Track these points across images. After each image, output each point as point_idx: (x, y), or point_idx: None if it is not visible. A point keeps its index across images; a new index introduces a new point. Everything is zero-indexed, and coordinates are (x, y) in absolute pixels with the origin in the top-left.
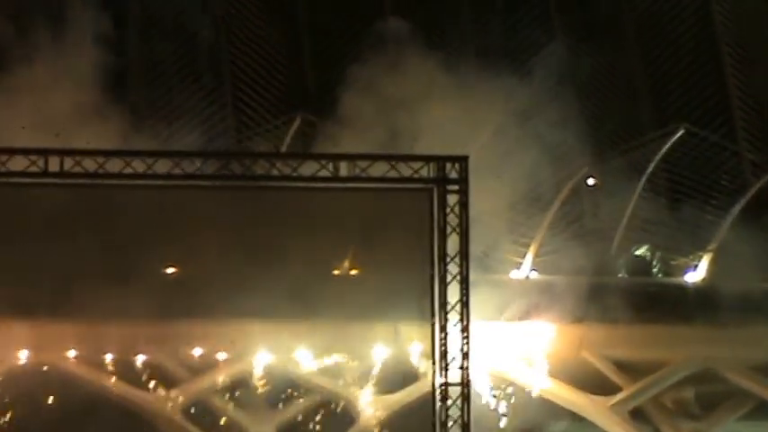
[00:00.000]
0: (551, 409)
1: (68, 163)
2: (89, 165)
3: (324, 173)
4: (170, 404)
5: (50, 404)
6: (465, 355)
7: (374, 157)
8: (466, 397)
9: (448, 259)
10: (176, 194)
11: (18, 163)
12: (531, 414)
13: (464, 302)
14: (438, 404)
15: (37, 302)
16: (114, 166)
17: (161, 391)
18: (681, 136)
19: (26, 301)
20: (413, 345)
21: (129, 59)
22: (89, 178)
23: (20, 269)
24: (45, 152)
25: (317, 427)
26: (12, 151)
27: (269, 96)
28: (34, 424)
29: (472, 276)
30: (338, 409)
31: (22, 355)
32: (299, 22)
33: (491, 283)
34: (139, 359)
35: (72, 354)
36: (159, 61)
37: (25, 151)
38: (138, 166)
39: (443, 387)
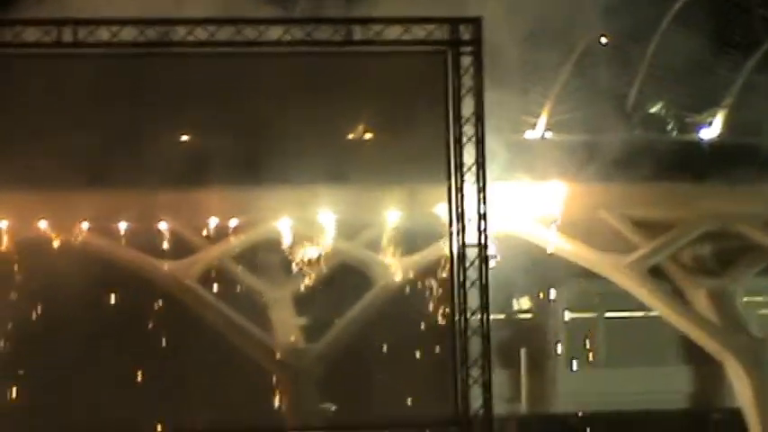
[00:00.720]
0: (567, 268)
1: (83, 33)
2: (103, 34)
3: (337, 37)
4: (186, 272)
5: (67, 275)
6: (482, 217)
7: (387, 21)
8: (483, 258)
9: (463, 121)
10: (189, 64)
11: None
12: (548, 273)
13: (480, 164)
14: (456, 266)
15: (53, 173)
16: (128, 34)
17: (177, 260)
18: None
19: (42, 173)
20: (429, 207)
21: None
22: (107, 47)
23: (37, 140)
24: (59, 22)
25: (335, 291)
26: (25, 22)
27: None
28: (51, 296)
29: (488, 138)
30: (356, 273)
31: (40, 226)
32: None
33: (507, 143)
34: (155, 227)
35: (86, 225)
36: None
37: (40, 22)
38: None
39: (461, 249)
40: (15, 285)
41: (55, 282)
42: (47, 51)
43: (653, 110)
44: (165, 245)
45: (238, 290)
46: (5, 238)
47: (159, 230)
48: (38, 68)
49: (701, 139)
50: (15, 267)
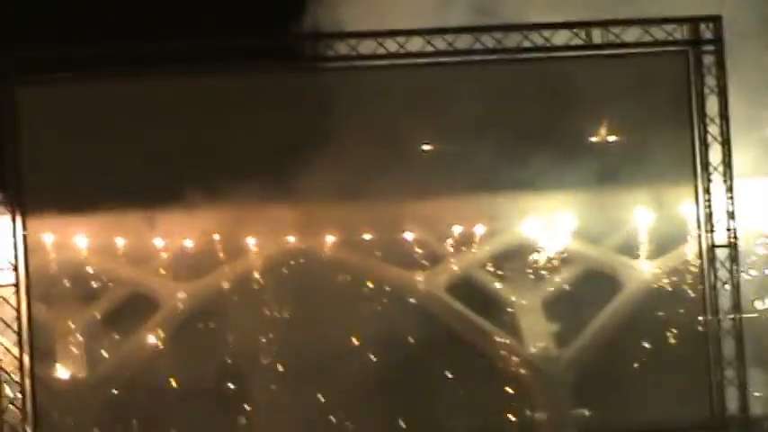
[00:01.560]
0: None
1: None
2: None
3: (576, 41)
4: (433, 281)
5: (312, 288)
6: (731, 215)
7: (627, 23)
8: (734, 258)
9: (707, 120)
10: (427, 73)
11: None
12: None
13: (726, 162)
14: (706, 266)
15: (300, 186)
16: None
17: (425, 269)
18: None
19: (291, 186)
20: (675, 208)
21: None
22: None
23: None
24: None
25: (583, 295)
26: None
27: None
28: (299, 308)
29: (734, 135)
30: (604, 277)
31: (288, 239)
32: None
33: (754, 140)
34: (401, 238)
35: (331, 238)
36: None
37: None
38: (390, 45)
39: (710, 249)
40: (266, 300)
41: (306, 294)
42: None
43: None
44: (413, 255)
45: (486, 297)
46: (255, 253)
47: (404, 240)
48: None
49: None
50: (263, 281)
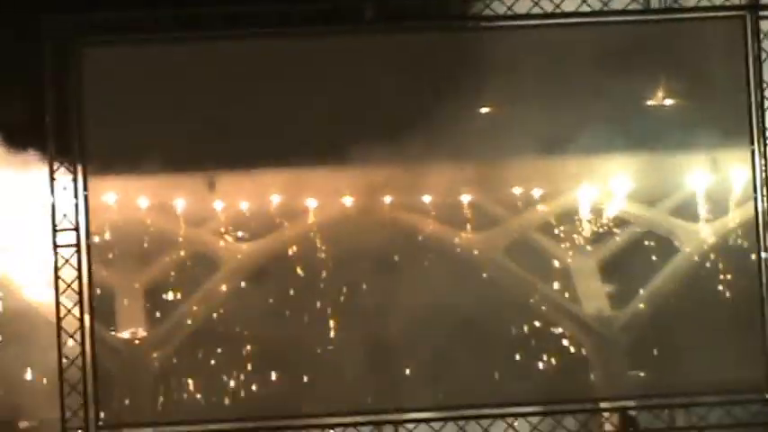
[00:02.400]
0: None
1: None
2: None
3: (634, 5)
4: (490, 244)
5: (369, 247)
6: None
7: None
8: None
9: (765, 86)
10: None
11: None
12: None
13: None
14: (761, 231)
15: (355, 149)
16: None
17: (481, 232)
18: None
19: (348, 148)
20: (731, 172)
21: None
22: None
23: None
24: None
25: (639, 259)
26: None
27: None
28: (355, 263)
29: None
30: (660, 240)
31: (346, 201)
32: None
33: None
34: (459, 200)
35: (389, 199)
36: None
37: None
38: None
39: (765, 213)
40: (323, 261)
41: (361, 255)
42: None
43: None
44: (469, 217)
45: (543, 260)
46: (312, 215)
47: (462, 203)
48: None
49: None
50: (320, 244)
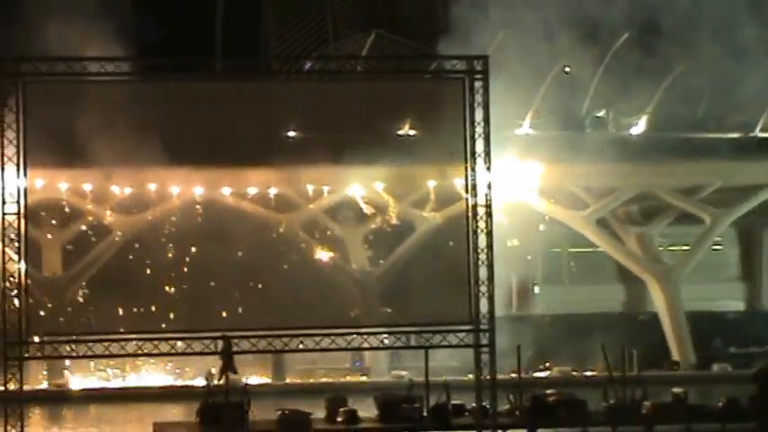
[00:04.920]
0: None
1: None
2: None
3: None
4: (293, 221)
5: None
6: (488, 186)
7: (431, 56)
8: (489, 214)
9: (476, 124)
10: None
11: None
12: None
13: (486, 152)
14: (471, 218)
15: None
16: None
17: (287, 213)
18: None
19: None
20: (452, 180)
21: None
22: None
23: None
24: None
25: (391, 235)
26: None
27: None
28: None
29: (494, 134)
30: (403, 222)
31: (197, 192)
32: None
33: (505, 138)
34: (272, 192)
35: (227, 190)
36: None
37: None
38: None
39: (474, 207)
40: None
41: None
42: None
43: (599, 114)
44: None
45: (328, 234)
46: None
47: (273, 194)
48: None
49: (631, 134)
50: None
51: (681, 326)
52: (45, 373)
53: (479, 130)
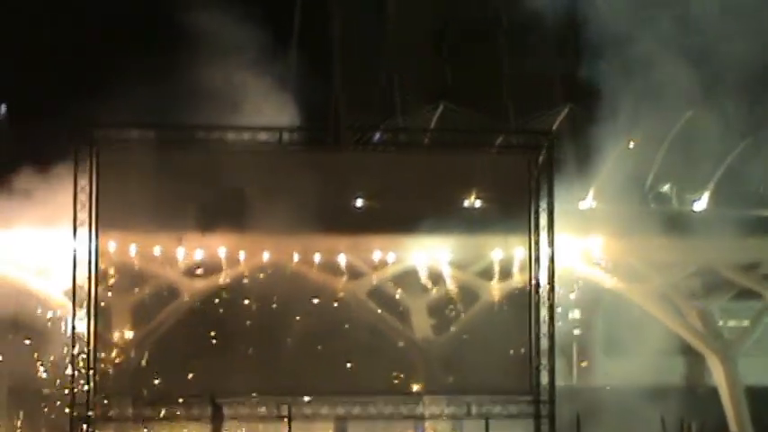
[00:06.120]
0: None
1: None
2: None
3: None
4: (358, 288)
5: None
6: (551, 259)
7: (493, 131)
8: (552, 287)
9: (540, 198)
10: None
11: None
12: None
13: (550, 225)
14: (532, 289)
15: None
16: None
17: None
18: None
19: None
20: (517, 251)
21: None
22: None
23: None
24: None
25: (455, 302)
26: None
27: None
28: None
29: (558, 206)
30: (467, 291)
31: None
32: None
33: (568, 212)
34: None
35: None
36: None
37: None
38: None
39: (536, 279)
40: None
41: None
42: None
43: (663, 189)
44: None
45: (393, 301)
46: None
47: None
48: None
49: (694, 210)
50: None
51: (739, 401)
52: None
53: (543, 204)
